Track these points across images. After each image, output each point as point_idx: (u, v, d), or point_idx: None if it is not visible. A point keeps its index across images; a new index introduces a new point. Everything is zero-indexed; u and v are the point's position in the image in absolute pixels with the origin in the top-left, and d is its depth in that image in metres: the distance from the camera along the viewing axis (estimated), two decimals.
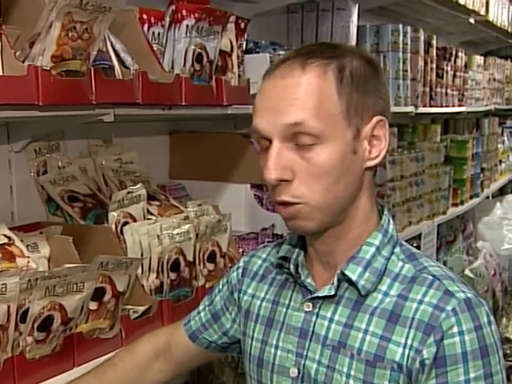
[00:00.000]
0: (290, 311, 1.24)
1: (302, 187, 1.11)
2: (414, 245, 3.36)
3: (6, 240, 1.54)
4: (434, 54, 3.83)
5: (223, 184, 2.36)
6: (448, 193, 3.84)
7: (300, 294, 1.23)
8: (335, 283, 1.17)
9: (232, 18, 2.02)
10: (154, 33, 1.86)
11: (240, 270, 1.38)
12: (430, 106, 3.80)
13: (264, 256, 1.36)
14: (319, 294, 1.19)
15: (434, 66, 3.84)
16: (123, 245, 1.79)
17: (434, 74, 3.85)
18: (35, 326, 1.40)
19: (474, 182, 4.29)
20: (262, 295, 1.30)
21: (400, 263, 1.18)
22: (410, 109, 3.47)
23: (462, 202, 4.08)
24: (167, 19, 1.83)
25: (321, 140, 1.09)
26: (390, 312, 1.13)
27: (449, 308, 1.09)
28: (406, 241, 3.22)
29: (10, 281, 1.33)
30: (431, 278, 1.14)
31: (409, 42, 3.42)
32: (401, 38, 3.34)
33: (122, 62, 1.70)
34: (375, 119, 1.13)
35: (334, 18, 2.99)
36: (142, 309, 1.72)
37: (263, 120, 1.12)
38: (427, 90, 3.72)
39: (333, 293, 1.17)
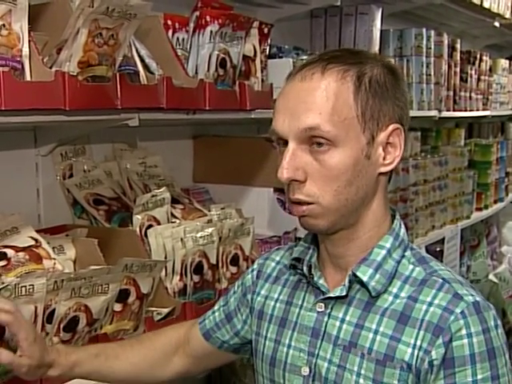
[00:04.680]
0: (303, 311, 1.26)
1: (315, 188, 1.14)
2: (438, 249, 3.37)
3: (33, 242, 1.57)
4: (458, 58, 3.81)
5: (246, 188, 2.38)
6: (472, 197, 3.83)
7: (313, 294, 1.25)
8: (347, 284, 1.19)
9: (255, 24, 2.04)
10: (178, 38, 1.89)
11: (255, 273, 1.40)
12: (454, 110, 3.79)
13: (278, 258, 1.38)
14: (331, 295, 1.20)
15: (458, 69, 3.83)
16: (147, 247, 1.82)
17: (458, 77, 3.83)
18: (61, 326, 1.44)
19: (499, 186, 4.26)
20: (276, 296, 1.32)
21: (410, 266, 1.19)
22: (434, 113, 3.47)
23: (486, 207, 4.06)
24: (191, 25, 1.86)
25: (334, 144, 1.11)
26: (400, 313, 1.15)
27: (458, 311, 1.11)
28: (430, 245, 3.25)
29: (36, 282, 1.37)
30: (441, 280, 1.16)
31: (432, 46, 3.42)
32: (424, 42, 3.34)
33: (146, 67, 1.73)
34: (391, 127, 1.15)
35: (357, 22, 2.99)
36: (165, 311, 1.74)
37: (281, 121, 1.15)
38: (451, 94, 3.71)
39: (344, 293, 1.19)
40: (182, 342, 1.47)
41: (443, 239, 3.41)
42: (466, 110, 3.96)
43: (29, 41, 1.42)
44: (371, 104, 1.13)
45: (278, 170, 1.14)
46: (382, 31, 3.22)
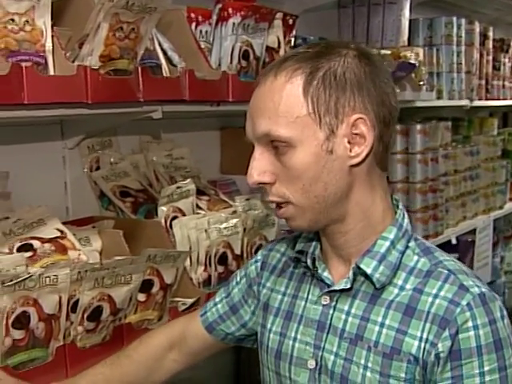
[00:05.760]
0: (308, 304, 1.26)
1: (283, 188, 1.14)
2: (469, 239, 3.34)
3: (58, 233, 1.60)
4: (491, 46, 3.77)
5: None
6: (505, 187, 3.79)
7: (317, 287, 1.25)
8: (351, 277, 1.18)
9: (279, 15, 2.04)
10: (201, 31, 1.91)
11: (259, 264, 1.41)
12: (487, 99, 3.75)
13: (282, 250, 1.38)
14: (336, 288, 1.20)
15: (491, 58, 3.79)
16: (172, 238, 1.83)
17: (491, 66, 3.80)
18: (85, 315, 1.46)
19: None
20: (282, 289, 1.32)
21: (415, 257, 1.19)
22: (465, 102, 3.44)
23: None
24: (214, 17, 1.87)
25: (292, 144, 1.11)
26: (405, 305, 1.15)
27: (464, 303, 1.11)
28: (461, 235, 3.23)
29: (61, 272, 1.39)
30: (446, 272, 1.15)
31: (463, 35, 3.39)
32: (454, 30, 3.31)
33: (169, 60, 1.75)
34: (353, 117, 1.12)
35: (385, 11, 2.98)
36: (190, 301, 1.76)
37: (247, 127, 1.18)
38: (483, 82, 3.67)
39: (349, 286, 1.19)
40: (177, 341, 1.47)
41: (475, 230, 3.38)
42: (499, 99, 3.91)
43: (52, 36, 1.44)
44: (325, 98, 1.11)
45: (247, 174, 1.16)
46: (411, 20, 3.21)
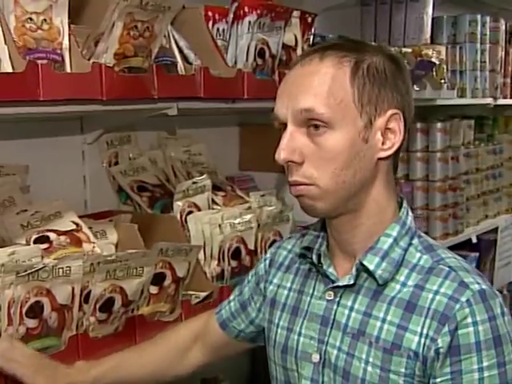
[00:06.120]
0: (313, 300, 1.28)
1: (312, 170, 1.16)
2: (491, 238, 3.33)
3: (74, 226, 1.64)
4: None
5: None
6: None
7: (322, 283, 1.27)
8: (354, 273, 1.21)
9: (296, 13, 2.06)
10: (218, 29, 1.94)
11: (267, 261, 1.44)
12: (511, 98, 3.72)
13: (289, 247, 1.41)
14: (340, 284, 1.23)
15: None
16: (187, 233, 1.87)
17: None
18: (97, 306, 1.50)
19: None
20: (288, 285, 1.35)
21: (418, 254, 1.21)
22: (489, 100, 3.42)
23: None
24: (231, 16, 1.90)
25: (330, 126, 1.13)
26: (406, 302, 1.17)
27: (463, 299, 1.12)
28: (482, 234, 3.22)
29: (73, 264, 1.43)
30: (447, 269, 1.17)
31: (487, 33, 3.38)
32: (479, 28, 3.31)
33: (185, 58, 1.78)
34: (390, 112, 1.16)
35: (407, 9, 2.99)
36: (203, 294, 1.79)
37: (280, 105, 1.19)
38: (508, 81, 3.64)
39: (352, 282, 1.21)
40: (201, 334, 1.51)
41: (497, 229, 3.36)
42: None
43: (69, 34, 1.48)
44: (368, 89, 1.14)
45: (276, 152, 1.17)
46: (435, 18, 3.21)
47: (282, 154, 1.16)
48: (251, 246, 1.93)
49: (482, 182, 3.25)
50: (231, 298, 1.52)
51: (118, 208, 2.02)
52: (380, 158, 1.18)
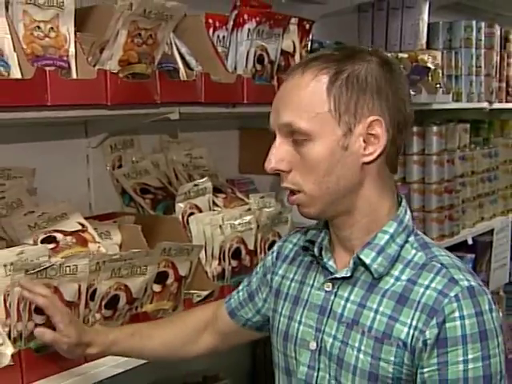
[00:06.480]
0: (313, 290, 1.35)
1: (298, 177, 1.23)
2: (487, 240, 3.38)
3: (80, 227, 1.70)
4: None
5: None
6: None
7: (322, 274, 1.34)
8: (351, 266, 1.27)
9: (294, 20, 2.13)
10: (218, 36, 2.00)
11: (274, 254, 1.50)
12: (507, 102, 3.78)
13: (294, 240, 1.48)
14: (338, 276, 1.29)
15: None
16: (189, 234, 1.93)
17: None
18: (103, 303, 1.56)
19: None
20: (291, 276, 1.42)
21: (413, 251, 1.27)
22: (484, 105, 3.48)
23: None
24: (230, 23, 1.96)
25: (311, 137, 1.20)
26: (399, 295, 1.23)
27: (452, 294, 1.18)
28: (478, 236, 3.27)
29: (80, 262, 1.49)
30: (439, 265, 1.23)
31: (483, 38, 3.44)
32: (474, 34, 3.37)
33: (187, 64, 1.85)
34: (371, 118, 1.20)
35: (403, 16, 3.05)
36: (204, 293, 1.86)
37: (271, 117, 1.27)
38: (503, 85, 3.71)
39: (349, 274, 1.27)
40: (210, 320, 1.58)
41: (493, 231, 3.42)
42: None
43: (75, 42, 1.55)
44: (346, 98, 1.19)
45: (265, 161, 1.25)
46: (431, 24, 3.27)
47: (270, 164, 1.24)
48: (251, 247, 1.99)
49: (478, 185, 3.31)
50: (240, 288, 1.58)
51: (122, 210, 2.08)
52: (365, 163, 1.23)
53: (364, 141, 1.21)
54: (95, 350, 1.45)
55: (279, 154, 1.23)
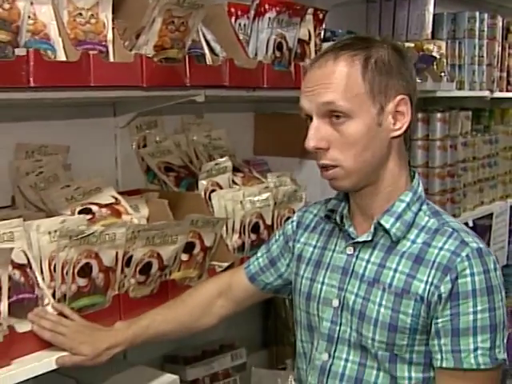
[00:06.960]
0: (335, 254, 1.50)
1: (337, 153, 1.38)
2: (486, 224, 3.51)
3: (113, 200, 1.84)
4: None
5: (301, 160, 2.59)
6: None
7: (343, 240, 1.49)
8: (372, 231, 1.43)
9: (310, 10, 2.26)
10: (240, 24, 2.13)
11: (294, 223, 1.65)
12: (508, 91, 3.91)
13: (315, 211, 1.63)
14: (359, 240, 1.45)
15: None
16: (211, 209, 2.06)
17: None
18: (137, 269, 1.69)
19: None
20: (313, 243, 1.57)
21: (426, 218, 1.43)
22: (486, 93, 3.61)
23: None
24: (252, 12, 2.09)
25: (349, 116, 1.35)
26: (415, 255, 1.39)
27: (463, 254, 1.34)
28: (478, 219, 3.39)
29: (118, 231, 1.63)
30: (451, 230, 1.39)
31: (485, 29, 3.56)
32: (477, 24, 3.49)
33: (212, 50, 1.97)
34: (398, 98, 1.37)
35: (410, 6, 3.18)
36: (225, 264, 1.99)
37: (306, 100, 1.40)
38: (504, 75, 3.83)
39: (370, 239, 1.43)
40: (224, 290, 1.72)
41: (492, 215, 3.55)
42: None
43: (112, 28, 1.68)
44: (378, 80, 1.35)
45: (306, 141, 1.38)
46: (436, 14, 3.39)
47: (310, 143, 1.38)
48: (268, 222, 2.13)
49: (479, 170, 3.44)
50: (259, 254, 1.72)
51: (146, 187, 2.20)
52: (393, 137, 1.40)
53: (393, 117, 1.37)
54: (119, 348, 1.57)
55: (319, 133, 1.37)
